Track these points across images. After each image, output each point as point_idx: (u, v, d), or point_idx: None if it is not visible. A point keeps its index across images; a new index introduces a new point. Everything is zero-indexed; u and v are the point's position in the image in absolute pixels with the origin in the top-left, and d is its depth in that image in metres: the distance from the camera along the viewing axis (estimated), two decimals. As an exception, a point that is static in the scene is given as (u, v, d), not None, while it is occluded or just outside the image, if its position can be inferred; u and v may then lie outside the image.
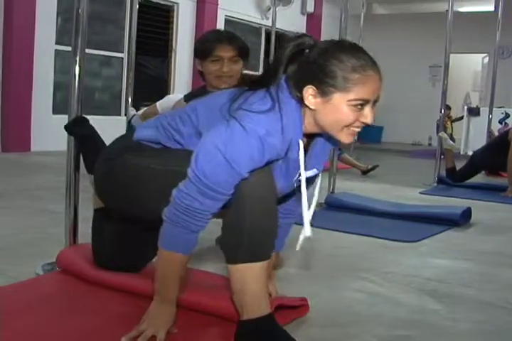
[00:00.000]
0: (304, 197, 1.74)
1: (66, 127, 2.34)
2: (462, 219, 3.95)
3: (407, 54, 13.38)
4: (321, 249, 2.79)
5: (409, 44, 13.41)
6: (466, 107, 11.25)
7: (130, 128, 4.02)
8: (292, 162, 1.70)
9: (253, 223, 1.62)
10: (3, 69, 7.11)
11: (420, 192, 5.62)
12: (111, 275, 2.14)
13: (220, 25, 10.20)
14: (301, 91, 1.64)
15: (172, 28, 9.52)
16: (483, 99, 12.27)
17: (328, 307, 2.13)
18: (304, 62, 1.66)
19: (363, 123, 1.65)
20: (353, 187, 5.45)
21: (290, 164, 1.71)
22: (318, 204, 4.31)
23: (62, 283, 2.22)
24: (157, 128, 1.84)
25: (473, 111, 10.86)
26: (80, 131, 2.34)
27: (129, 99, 5.72)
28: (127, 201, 1.89)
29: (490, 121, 8.58)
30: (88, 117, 2.40)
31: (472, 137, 10.64)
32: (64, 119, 2.43)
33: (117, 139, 2.00)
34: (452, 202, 4.92)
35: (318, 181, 1.89)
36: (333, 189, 4.69)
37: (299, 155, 1.68)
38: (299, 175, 1.73)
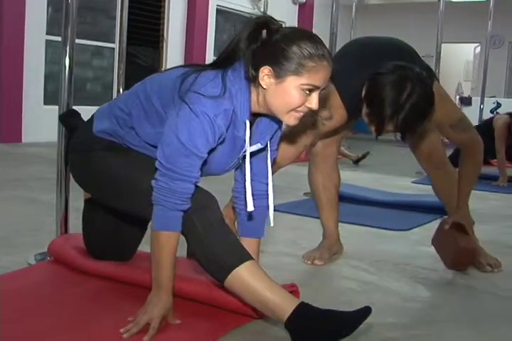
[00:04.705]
0: (248, 174, 1.85)
1: (60, 117, 2.35)
2: (453, 208, 3.96)
3: (399, 44, 13.32)
4: (313, 238, 2.80)
5: (401, 34, 13.21)
6: (458, 97, 11.27)
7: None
8: (238, 140, 1.80)
9: (207, 245, 1.74)
10: (-6, 61, 7.07)
11: (412, 182, 5.64)
12: (102, 264, 2.15)
13: (212, 14, 10.16)
14: (257, 70, 1.73)
15: (163, 18, 9.45)
16: (475, 88, 12.28)
17: (320, 296, 2.14)
18: (266, 43, 1.74)
19: (308, 108, 1.75)
20: (345, 177, 5.41)
21: (236, 142, 1.81)
22: (310, 194, 4.33)
23: (53, 272, 2.22)
24: (110, 119, 1.93)
25: (465, 101, 10.88)
26: (73, 123, 2.35)
27: (121, 90, 5.69)
28: (96, 193, 2.05)
29: (481, 110, 8.59)
30: (79, 108, 2.40)
31: (464, 126, 10.63)
32: (56, 110, 2.43)
33: (81, 130, 2.07)
34: (444, 191, 4.92)
35: (268, 156, 1.96)
36: (325, 178, 4.68)
37: (245, 134, 1.78)
38: (244, 151, 1.84)
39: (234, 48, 1.76)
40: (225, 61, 1.78)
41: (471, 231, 2.61)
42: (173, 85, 1.76)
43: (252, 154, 1.91)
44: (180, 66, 1.90)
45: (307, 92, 1.72)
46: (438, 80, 2.41)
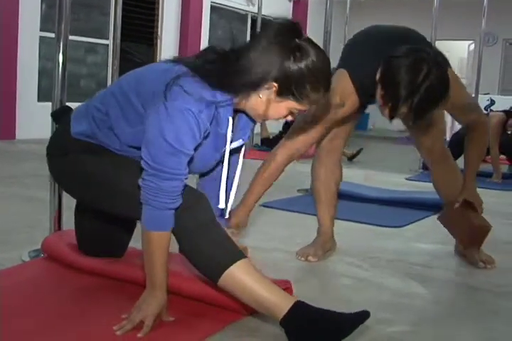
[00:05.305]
0: (225, 170, 1.85)
1: (53, 115, 2.34)
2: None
3: (393, 41, 13.30)
4: (308, 235, 2.80)
5: (395, 31, 13.34)
6: (451, 94, 11.27)
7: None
8: (221, 137, 1.79)
9: (199, 245, 1.74)
10: (-13, 57, 7.03)
11: (406, 178, 5.65)
12: (94, 261, 2.15)
13: (206, 11, 10.14)
14: (263, 82, 1.67)
15: (157, 15, 9.42)
16: (469, 85, 12.30)
17: (314, 292, 2.14)
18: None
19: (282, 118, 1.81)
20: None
21: (219, 139, 1.79)
22: (304, 191, 4.34)
23: (47, 269, 2.22)
24: (88, 120, 1.88)
25: (459, 98, 10.88)
26: (66, 120, 2.34)
27: (115, 87, 5.68)
28: (78, 196, 2.03)
29: (475, 107, 8.59)
30: (73, 104, 2.39)
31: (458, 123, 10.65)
32: (49, 107, 2.42)
33: (58, 133, 2.04)
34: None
35: (242, 150, 1.97)
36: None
37: (227, 131, 1.78)
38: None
39: (259, 81, 1.68)
40: (240, 90, 1.72)
41: (480, 210, 2.63)
42: (157, 80, 1.70)
43: (233, 151, 1.90)
44: (163, 61, 1.85)
45: (293, 113, 1.77)
46: (450, 66, 2.40)
